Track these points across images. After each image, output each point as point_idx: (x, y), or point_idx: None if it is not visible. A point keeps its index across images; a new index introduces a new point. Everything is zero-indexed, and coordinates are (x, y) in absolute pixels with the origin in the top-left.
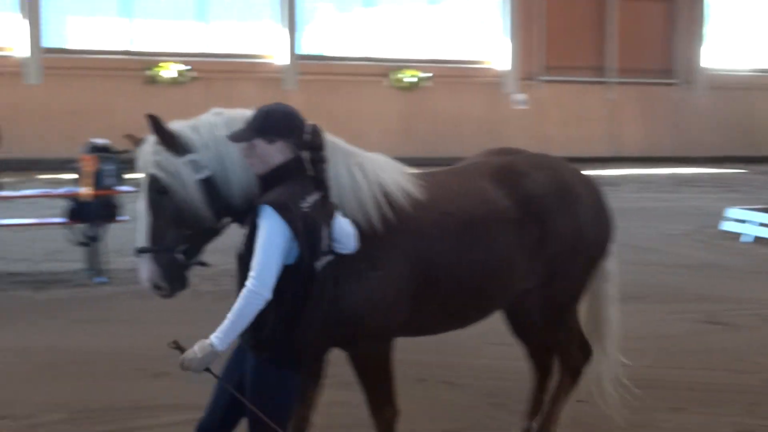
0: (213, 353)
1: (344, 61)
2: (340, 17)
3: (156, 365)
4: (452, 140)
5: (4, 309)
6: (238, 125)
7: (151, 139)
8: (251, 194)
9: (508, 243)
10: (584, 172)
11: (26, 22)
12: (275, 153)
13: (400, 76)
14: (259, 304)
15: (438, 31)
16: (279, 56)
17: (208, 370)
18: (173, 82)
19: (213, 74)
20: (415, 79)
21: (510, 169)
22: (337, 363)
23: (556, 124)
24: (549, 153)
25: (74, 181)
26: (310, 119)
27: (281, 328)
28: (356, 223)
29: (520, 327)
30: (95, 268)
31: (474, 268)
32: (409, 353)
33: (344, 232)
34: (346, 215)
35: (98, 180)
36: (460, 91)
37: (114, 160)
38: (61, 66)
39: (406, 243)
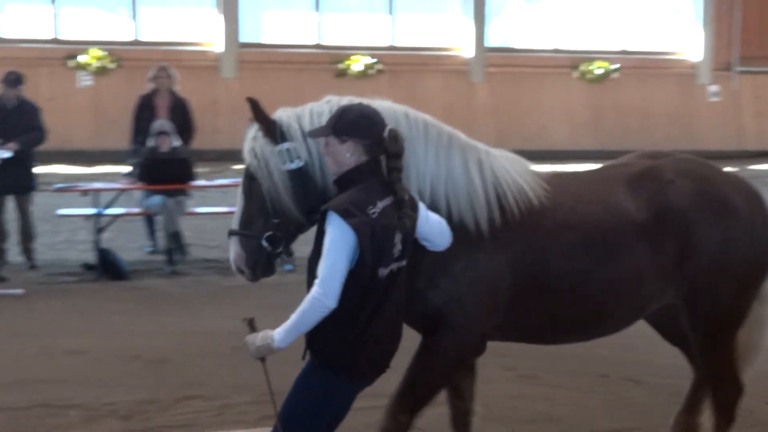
0: (269, 347)
1: (532, 53)
2: (528, 8)
3: None
4: (641, 134)
5: (196, 293)
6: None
7: (255, 125)
8: None
9: (637, 259)
10: (747, 182)
11: (222, 18)
12: (345, 153)
13: (587, 67)
14: (322, 312)
15: (628, 22)
16: (466, 48)
17: (263, 360)
18: (361, 75)
19: (400, 67)
20: (603, 71)
21: (652, 176)
22: (518, 355)
23: (752, 116)
24: (744, 147)
25: None
26: (497, 112)
27: (335, 332)
28: (463, 222)
29: (668, 335)
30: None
31: (593, 284)
32: (590, 348)
33: (435, 231)
34: (458, 211)
35: None
36: (650, 83)
37: None
38: (256, 60)
39: (511, 250)
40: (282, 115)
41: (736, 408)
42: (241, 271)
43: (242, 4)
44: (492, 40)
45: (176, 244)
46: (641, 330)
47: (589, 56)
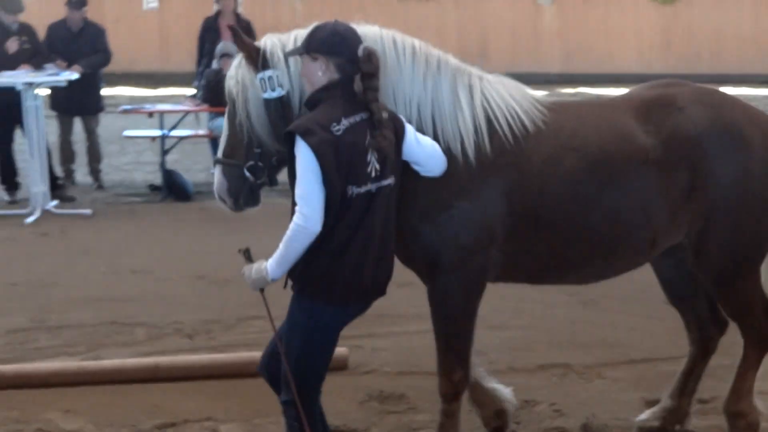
0: (264, 279)
1: None
2: None
3: (403, 275)
4: (714, 57)
5: (260, 215)
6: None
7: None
8: None
9: (644, 188)
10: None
11: None
12: (317, 71)
13: None
14: (307, 238)
15: None
16: None
17: (261, 291)
18: None
19: None
20: None
21: (663, 103)
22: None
23: None
24: None
25: None
26: (564, 35)
27: (311, 256)
28: (450, 149)
29: (673, 292)
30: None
31: (596, 214)
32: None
33: (426, 154)
34: (445, 138)
35: None
36: (723, 5)
37: None
38: None
39: (505, 178)
40: (267, 41)
41: None
42: (223, 200)
43: None
44: None
45: None
46: None
47: None
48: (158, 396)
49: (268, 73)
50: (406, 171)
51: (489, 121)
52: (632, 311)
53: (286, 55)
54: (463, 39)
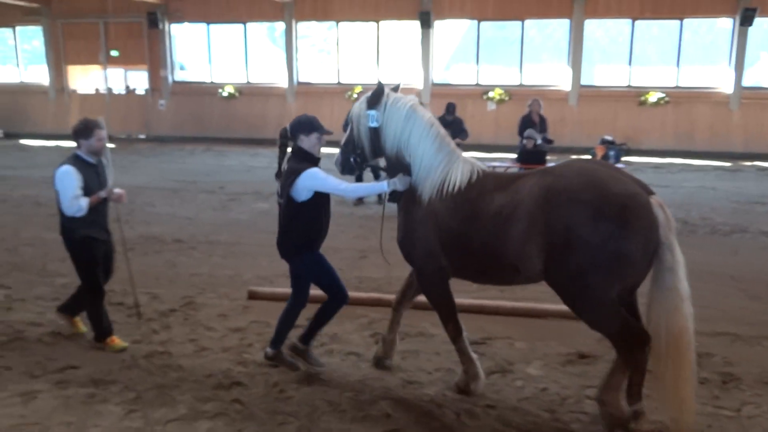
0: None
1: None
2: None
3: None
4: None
5: None
6: (416, 109)
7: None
8: (397, 154)
9: (499, 231)
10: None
11: (571, 69)
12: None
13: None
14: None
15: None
16: (726, 87)
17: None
18: (655, 104)
19: (680, 99)
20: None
21: (542, 172)
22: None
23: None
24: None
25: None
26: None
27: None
28: (421, 195)
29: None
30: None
31: (475, 245)
32: None
33: (301, 186)
34: (421, 187)
35: (605, 161)
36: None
37: (615, 148)
38: (592, 95)
39: (435, 217)
40: (386, 92)
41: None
42: (336, 166)
43: (584, 60)
44: (747, 81)
45: None
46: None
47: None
48: (483, 323)
49: (372, 111)
50: (408, 203)
51: (442, 183)
52: None
53: (382, 106)
54: None
